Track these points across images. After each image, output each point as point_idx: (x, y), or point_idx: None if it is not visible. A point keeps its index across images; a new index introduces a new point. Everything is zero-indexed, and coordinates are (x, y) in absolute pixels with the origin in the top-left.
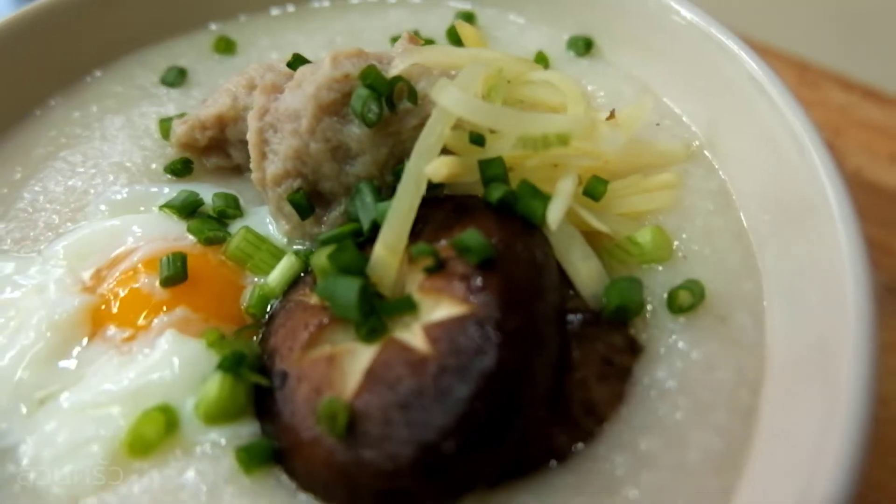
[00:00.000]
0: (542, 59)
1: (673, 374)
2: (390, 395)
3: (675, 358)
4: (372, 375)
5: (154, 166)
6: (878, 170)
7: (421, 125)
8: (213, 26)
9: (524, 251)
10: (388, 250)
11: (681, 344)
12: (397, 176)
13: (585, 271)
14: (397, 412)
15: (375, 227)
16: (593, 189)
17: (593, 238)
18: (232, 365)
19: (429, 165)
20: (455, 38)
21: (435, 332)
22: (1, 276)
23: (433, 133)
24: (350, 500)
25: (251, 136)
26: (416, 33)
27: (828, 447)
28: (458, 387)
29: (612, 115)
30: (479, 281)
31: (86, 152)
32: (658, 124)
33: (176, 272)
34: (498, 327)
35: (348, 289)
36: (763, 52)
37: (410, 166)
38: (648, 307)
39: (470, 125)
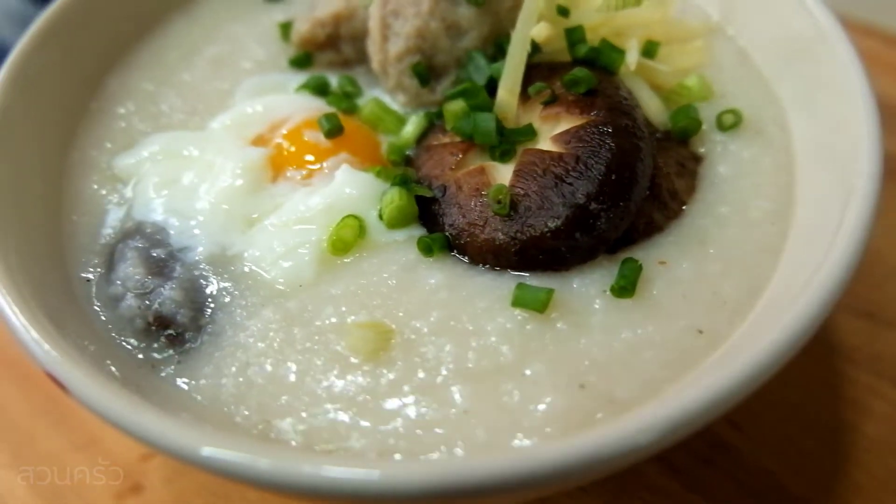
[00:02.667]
0: None
1: (729, 168)
2: (541, 180)
3: (729, 158)
4: (520, 172)
5: (279, 61)
6: None
7: (515, 6)
8: None
9: (613, 83)
10: (508, 92)
11: (731, 148)
12: (498, 48)
13: (654, 106)
14: (550, 190)
15: (488, 84)
16: (650, 49)
17: (652, 89)
18: (403, 181)
19: (533, 28)
20: None
21: (563, 137)
22: (183, 145)
23: (532, 5)
24: (519, 262)
25: (374, 23)
26: None
27: (853, 198)
28: (593, 165)
29: None
30: (589, 102)
31: (215, 52)
32: (684, 11)
33: (334, 126)
34: (613, 126)
35: (487, 119)
36: None
37: (517, 31)
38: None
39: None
